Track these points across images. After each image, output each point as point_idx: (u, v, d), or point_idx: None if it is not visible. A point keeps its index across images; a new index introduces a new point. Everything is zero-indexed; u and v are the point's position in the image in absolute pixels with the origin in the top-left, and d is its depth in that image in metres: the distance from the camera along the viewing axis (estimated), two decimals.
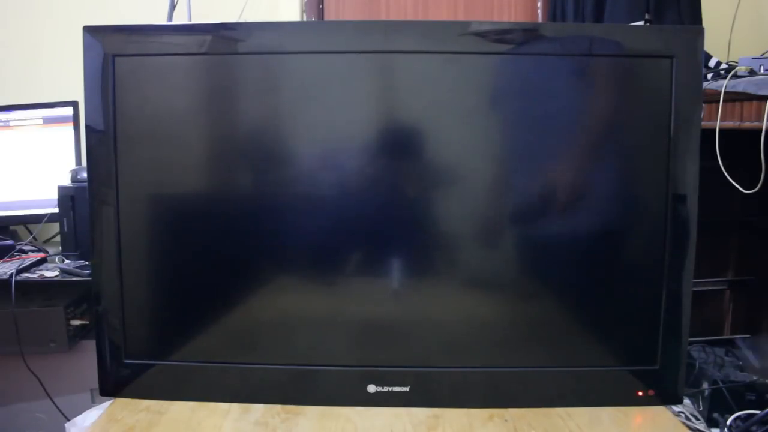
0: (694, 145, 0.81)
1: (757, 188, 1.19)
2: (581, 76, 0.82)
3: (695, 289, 0.83)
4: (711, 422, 1.26)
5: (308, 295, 0.86)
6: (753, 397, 1.27)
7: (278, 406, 0.84)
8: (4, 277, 1.27)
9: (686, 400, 1.27)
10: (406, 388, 0.84)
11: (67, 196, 1.39)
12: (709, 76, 1.33)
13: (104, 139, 0.82)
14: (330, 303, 0.86)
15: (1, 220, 1.58)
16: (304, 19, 1.89)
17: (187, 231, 0.86)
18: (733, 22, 1.70)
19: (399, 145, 0.83)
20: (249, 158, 0.85)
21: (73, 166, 1.55)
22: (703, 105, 1.20)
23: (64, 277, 1.32)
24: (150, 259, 0.86)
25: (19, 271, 1.30)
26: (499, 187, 0.85)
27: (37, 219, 1.53)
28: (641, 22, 1.62)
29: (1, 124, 1.59)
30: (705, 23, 1.73)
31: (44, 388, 1.34)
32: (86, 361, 1.33)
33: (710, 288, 1.83)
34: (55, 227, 1.55)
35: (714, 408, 1.28)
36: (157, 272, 0.87)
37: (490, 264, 0.87)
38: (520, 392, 0.84)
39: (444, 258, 0.86)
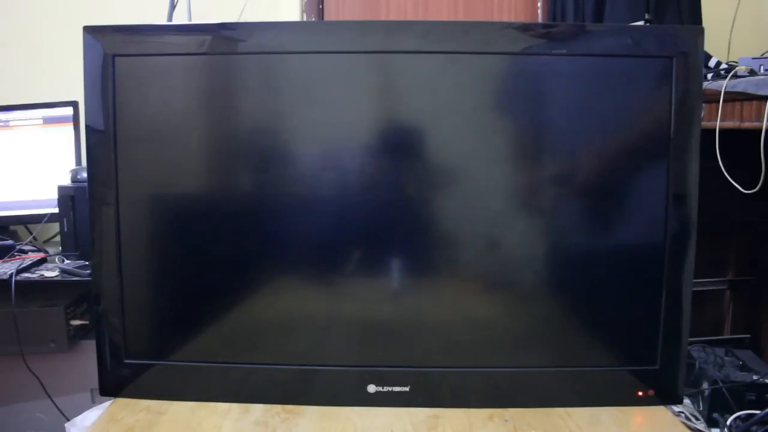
0: (694, 145, 0.81)
1: (757, 188, 1.19)
2: (581, 76, 0.82)
3: (695, 289, 0.83)
4: (711, 422, 1.26)
5: (308, 295, 0.86)
6: (753, 397, 1.27)
7: (278, 406, 0.84)
8: (4, 277, 1.27)
9: (686, 400, 1.27)
10: (406, 388, 0.84)
11: (67, 196, 1.39)
12: (709, 76, 1.33)
13: (104, 139, 0.82)
14: (330, 303, 0.86)
15: (1, 220, 1.58)
16: (304, 19, 1.89)
17: (186, 231, 0.86)
18: (733, 22, 1.71)
19: (399, 145, 0.83)
20: (249, 158, 0.85)
21: (73, 166, 1.55)
22: (703, 105, 1.20)
23: (64, 277, 1.32)
24: (150, 259, 0.86)
25: (19, 271, 1.30)
26: (499, 188, 0.85)
27: (37, 219, 1.53)
28: (641, 22, 1.62)
29: (1, 124, 1.58)
30: (705, 23, 1.73)
31: (44, 388, 1.33)
32: (86, 361, 1.33)
33: (710, 288, 1.82)
34: (55, 227, 1.55)
35: (714, 408, 1.27)
36: (157, 272, 0.87)
37: (490, 264, 0.87)
38: (520, 392, 0.84)
39: (444, 258, 0.86)
